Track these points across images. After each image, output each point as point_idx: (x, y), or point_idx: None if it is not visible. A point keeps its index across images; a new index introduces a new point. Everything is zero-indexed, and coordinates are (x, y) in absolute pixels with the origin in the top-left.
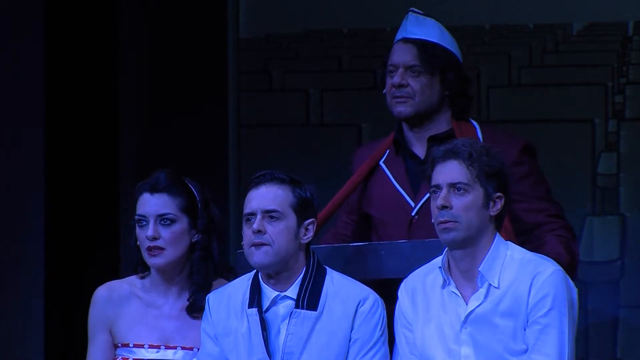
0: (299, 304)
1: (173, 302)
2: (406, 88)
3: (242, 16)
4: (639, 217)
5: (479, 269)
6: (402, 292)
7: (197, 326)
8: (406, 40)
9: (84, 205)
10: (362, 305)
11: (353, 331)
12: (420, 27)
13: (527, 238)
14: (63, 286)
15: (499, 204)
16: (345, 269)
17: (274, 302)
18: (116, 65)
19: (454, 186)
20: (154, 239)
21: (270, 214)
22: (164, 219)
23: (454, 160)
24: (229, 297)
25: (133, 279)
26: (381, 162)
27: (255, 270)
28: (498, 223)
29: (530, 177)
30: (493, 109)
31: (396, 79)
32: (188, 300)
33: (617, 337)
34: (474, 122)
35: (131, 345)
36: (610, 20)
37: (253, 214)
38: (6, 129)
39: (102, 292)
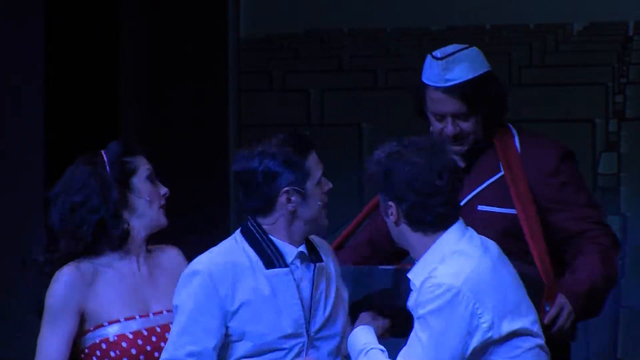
0: (312, 257)
1: (141, 268)
2: (459, 133)
3: (243, 16)
4: (639, 217)
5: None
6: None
7: (166, 287)
8: (445, 89)
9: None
10: (329, 247)
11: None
12: (452, 72)
13: (566, 247)
14: None
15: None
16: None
17: (295, 258)
18: (116, 66)
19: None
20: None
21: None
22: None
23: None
24: (233, 265)
25: (77, 262)
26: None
27: (255, 233)
28: (418, 226)
29: (570, 185)
30: None
31: (449, 129)
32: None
33: (617, 337)
34: (512, 128)
35: (106, 324)
36: (611, 21)
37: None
38: (6, 128)
39: (71, 271)
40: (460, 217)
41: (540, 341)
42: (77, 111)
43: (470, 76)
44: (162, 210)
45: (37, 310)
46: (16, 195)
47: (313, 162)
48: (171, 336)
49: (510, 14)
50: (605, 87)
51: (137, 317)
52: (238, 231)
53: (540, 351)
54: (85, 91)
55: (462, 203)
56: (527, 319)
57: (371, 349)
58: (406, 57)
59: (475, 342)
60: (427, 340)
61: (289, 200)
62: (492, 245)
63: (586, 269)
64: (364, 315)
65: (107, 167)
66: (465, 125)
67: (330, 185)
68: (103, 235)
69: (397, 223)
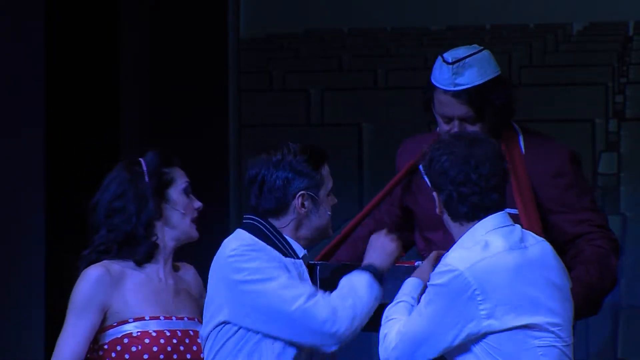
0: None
1: (168, 276)
2: None
3: (243, 16)
4: (639, 217)
5: None
6: None
7: (187, 299)
8: (453, 93)
9: (84, 207)
10: None
11: None
12: (461, 76)
13: (567, 248)
14: (63, 287)
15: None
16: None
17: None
18: (116, 66)
19: None
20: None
21: None
22: None
23: None
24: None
25: (104, 262)
26: (420, 167)
27: (265, 230)
28: (455, 217)
29: (575, 187)
30: None
31: (456, 130)
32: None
33: (617, 337)
34: (516, 128)
35: (131, 320)
36: (611, 20)
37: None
38: (6, 127)
39: (99, 271)
40: (500, 209)
41: (558, 343)
42: (77, 111)
43: (479, 81)
44: (195, 223)
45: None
46: (16, 195)
47: (326, 173)
48: None
49: (510, 14)
50: (605, 87)
51: (162, 317)
52: (241, 230)
53: (555, 350)
54: (85, 91)
55: None
56: (544, 319)
57: (402, 301)
58: (406, 57)
59: (472, 327)
60: (425, 312)
61: (302, 205)
62: (539, 247)
63: (583, 271)
64: (424, 268)
65: (146, 177)
66: (472, 129)
67: (336, 200)
68: (134, 244)
69: (440, 212)
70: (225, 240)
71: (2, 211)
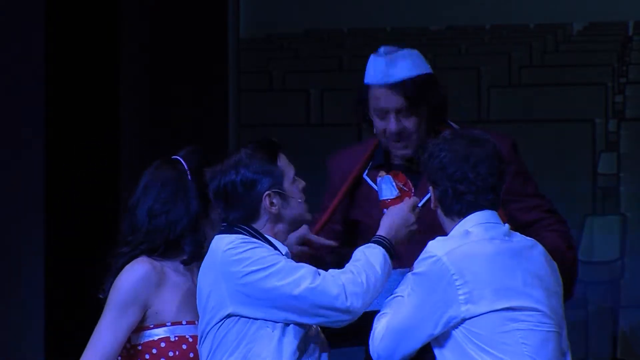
0: None
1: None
2: (404, 131)
3: (243, 16)
4: (639, 217)
5: None
6: None
7: None
8: (388, 85)
9: (84, 206)
10: None
11: None
12: (395, 67)
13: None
14: (63, 287)
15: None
16: None
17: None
18: (116, 66)
19: None
20: None
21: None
22: None
23: None
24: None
25: (145, 258)
26: (364, 175)
27: (245, 233)
28: (448, 212)
29: (520, 175)
30: (493, 108)
31: (392, 125)
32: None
33: (617, 337)
34: (453, 125)
35: (168, 324)
36: (611, 20)
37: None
38: (6, 127)
39: (144, 267)
40: (493, 209)
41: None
42: (77, 111)
43: (413, 73)
44: None
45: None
46: (16, 195)
47: (284, 163)
48: None
49: (510, 14)
50: (605, 87)
51: (197, 322)
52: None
53: (536, 334)
54: (85, 91)
55: (420, 204)
56: (522, 303)
57: (399, 295)
58: None
59: (452, 312)
60: (407, 302)
61: (272, 204)
62: (526, 242)
63: (555, 255)
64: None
65: (189, 176)
66: (408, 123)
67: (304, 183)
68: (183, 244)
69: (434, 207)
70: (215, 239)
71: (2, 211)
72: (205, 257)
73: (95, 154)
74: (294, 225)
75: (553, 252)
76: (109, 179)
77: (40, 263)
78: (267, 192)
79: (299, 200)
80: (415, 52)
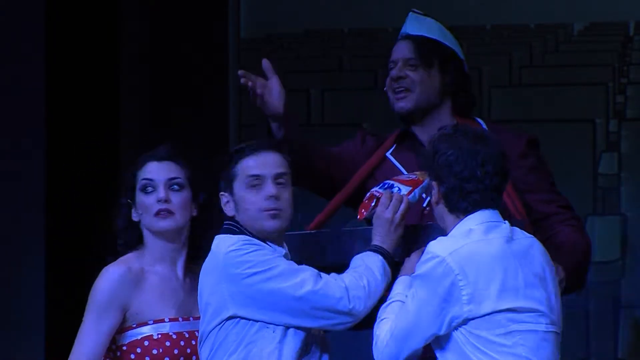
0: None
1: (181, 273)
2: (405, 80)
3: (243, 16)
4: (639, 217)
5: None
6: None
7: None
8: (405, 37)
9: (84, 206)
10: None
11: None
12: (419, 25)
13: (537, 228)
14: (63, 287)
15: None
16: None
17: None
18: (117, 66)
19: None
20: (165, 201)
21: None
22: (173, 184)
23: None
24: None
25: (131, 256)
26: (388, 154)
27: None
28: (453, 209)
29: (536, 170)
30: (494, 108)
31: (394, 72)
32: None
33: (618, 337)
34: (480, 120)
35: (150, 322)
36: (611, 20)
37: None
38: (6, 127)
39: (120, 270)
40: (496, 208)
41: (539, 328)
42: (77, 111)
43: (433, 37)
44: (158, 217)
45: None
46: (16, 195)
47: (244, 166)
48: None
49: (510, 14)
50: (605, 87)
51: (180, 319)
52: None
53: (534, 335)
54: (85, 91)
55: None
56: (523, 304)
57: (394, 300)
58: None
59: (455, 312)
60: (412, 303)
61: (225, 206)
62: (527, 242)
63: (565, 240)
64: (409, 266)
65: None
66: (412, 74)
67: (272, 191)
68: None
69: (436, 202)
70: (217, 240)
71: (2, 211)
72: (207, 258)
73: (95, 154)
74: (257, 232)
75: (568, 245)
76: (109, 179)
77: (40, 263)
78: (221, 194)
79: (247, 207)
80: (448, 32)
